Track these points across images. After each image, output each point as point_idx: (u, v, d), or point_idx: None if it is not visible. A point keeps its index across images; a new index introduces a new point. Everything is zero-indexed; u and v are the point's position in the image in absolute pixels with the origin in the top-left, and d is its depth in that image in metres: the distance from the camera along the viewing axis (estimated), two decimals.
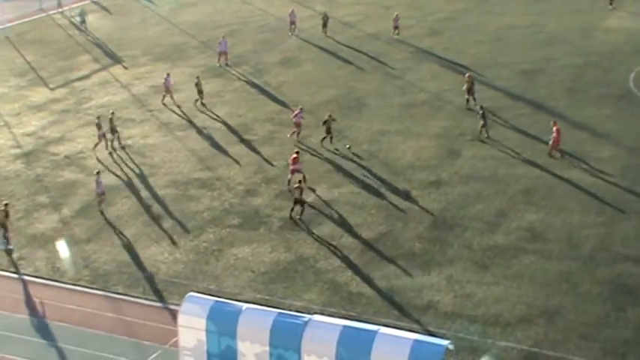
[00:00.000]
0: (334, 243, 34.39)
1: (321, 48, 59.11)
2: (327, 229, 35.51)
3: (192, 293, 26.23)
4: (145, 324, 29.75)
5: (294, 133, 44.19)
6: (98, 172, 38.17)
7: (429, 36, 61.32)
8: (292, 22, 62.92)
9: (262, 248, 34.36)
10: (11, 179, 41.69)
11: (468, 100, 47.09)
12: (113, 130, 44.26)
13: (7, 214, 35.23)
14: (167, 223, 36.78)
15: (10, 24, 68.58)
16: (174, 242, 35.17)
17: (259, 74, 54.83)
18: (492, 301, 29.67)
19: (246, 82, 53.63)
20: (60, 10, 71.60)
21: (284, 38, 62.64)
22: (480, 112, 42.97)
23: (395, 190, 38.23)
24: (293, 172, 38.91)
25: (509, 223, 35.00)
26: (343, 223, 35.85)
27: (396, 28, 61.58)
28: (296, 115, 44.02)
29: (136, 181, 40.86)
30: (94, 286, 32.37)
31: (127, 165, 42.73)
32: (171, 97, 50.24)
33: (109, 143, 44.20)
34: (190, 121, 47.74)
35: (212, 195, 39.09)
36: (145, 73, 56.49)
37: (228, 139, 45.20)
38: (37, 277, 33.27)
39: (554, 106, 46.78)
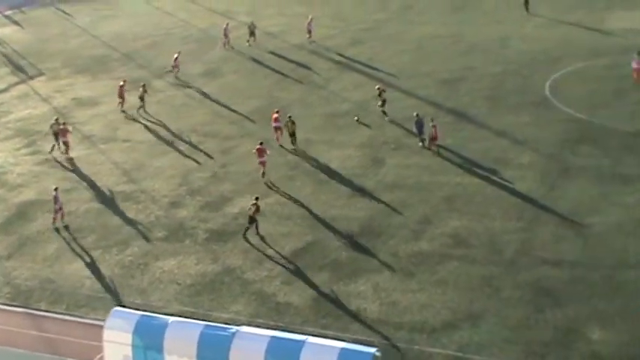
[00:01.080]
0: (260, 254, 34.37)
1: (245, 58, 59.10)
2: (253, 239, 35.46)
3: (117, 308, 25.96)
4: (69, 340, 29.26)
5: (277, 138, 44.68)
6: (56, 188, 37.44)
7: (351, 46, 61.87)
8: (226, 36, 62.52)
9: (188, 260, 34.15)
10: None
11: (385, 113, 47.77)
12: (57, 136, 44.37)
13: None
14: (91, 238, 36.29)
15: None
16: (98, 257, 34.69)
17: (183, 85, 54.54)
18: (418, 308, 30.00)
19: (169, 93, 53.26)
20: None
21: (207, 49, 62.46)
22: (416, 120, 43.67)
23: (319, 200, 38.40)
24: (261, 163, 40.30)
25: (433, 229, 35.46)
26: (270, 234, 35.84)
27: (309, 32, 62.79)
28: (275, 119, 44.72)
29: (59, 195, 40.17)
30: (16, 304, 31.72)
31: (49, 178, 42.03)
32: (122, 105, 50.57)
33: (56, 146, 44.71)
34: (113, 134, 47.21)
35: (137, 208, 38.71)
36: (66, 86, 55.71)
37: (152, 150, 44.85)
38: None
39: (475, 115, 47.62)
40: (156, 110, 50.74)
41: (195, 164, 42.94)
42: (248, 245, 34.94)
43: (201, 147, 44.97)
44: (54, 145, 44.84)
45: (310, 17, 64.46)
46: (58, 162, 43.86)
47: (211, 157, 43.40)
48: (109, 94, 53.43)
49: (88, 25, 71.00)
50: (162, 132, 47.26)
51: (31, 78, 57.68)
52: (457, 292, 30.84)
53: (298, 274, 32.76)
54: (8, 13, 75.02)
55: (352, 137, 45.43)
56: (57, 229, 36.95)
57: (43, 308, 31.32)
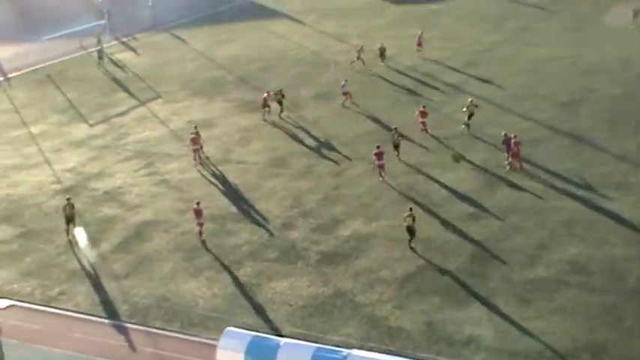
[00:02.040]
0: (372, 277, 34.12)
1: (357, 80, 59.06)
2: (364, 262, 35.26)
3: (230, 328, 26.13)
4: (183, 359, 29.63)
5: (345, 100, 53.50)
6: (198, 203, 38.48)
7: (465, 67, 61.17)
8: (358, 57, 62.74)
9: (300, 282, 34.19)
10: (51, 214, 41.99)
11: (467, 125, 47.97)
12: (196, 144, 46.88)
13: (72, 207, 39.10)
14: (205, 257, 36.79)
15: (51, 62, 69.63)
16: (212, 276, 35.13)
17: (296, 108, 54.97)
18: (535, 336, 29.15)
19: (283, 115, 53.73)
20: (100, 47, 72.52)
21: (320, 72, 62.85)
22: (503, 138, 43.63)
23: (433, 223, 37.91)
24: (379, 167, 42.50)
25: (550, 255, 34.50)
26: (381, 257, 35.58)
27: (419, 44, 64.22)
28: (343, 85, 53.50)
29: (174, 216, 40.98)
30: (133, 321, 32.37)
31: (165, 199, 42.91)
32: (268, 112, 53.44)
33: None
34: (227, 156, 47.90)
35: (250, 229, 39.07)
36: (182, 109, 56.91)
37: (265, 173, 45.26)
38: (77, 312, 33.37)
39: (594, 138, 46.26)
40: (269, 132, 51.26)
41: (307, 186, 43.09)
42: (359, 268, 34.76)
43: (313, 169, 45.11)
44: (195, 153, 47.03)
45: (421, 32, 65.55)
46: (173, 184, 44.68)
47: (323, 179, 43.53)
48: (224, 116, 54.32)
49: (203, 49, 72.48)
50: (275, 154, 47.65)
51: (149, 101, 59.19)
52: (576, 320, 29.85)
53: (410, 298, 32.37)
54: (124, 39, 77.24)
55: (465, 161, 44.73)
56: (203, 242, 37.99)
57: (158, 326, 31.86)
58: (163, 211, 41.64)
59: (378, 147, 43.02)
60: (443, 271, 34.02)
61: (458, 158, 44.81)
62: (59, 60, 70.85)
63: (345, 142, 48.42)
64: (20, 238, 39.73)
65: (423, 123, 48.81)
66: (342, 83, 54.93)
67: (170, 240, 38.63)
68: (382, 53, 62.99)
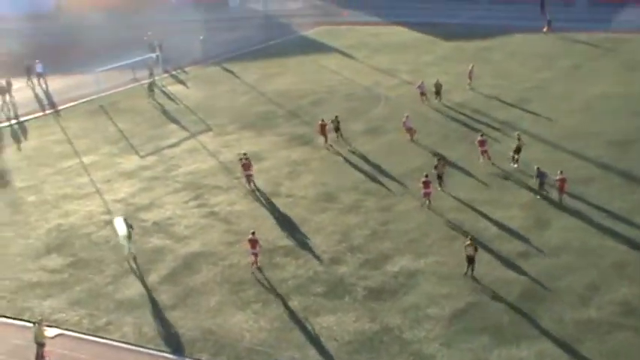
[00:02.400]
0: (420, 313, 33.81)
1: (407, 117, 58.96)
2: (412, 298, 34.99)
3: None
4: None
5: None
6: (253, 232, 39.01)
7: (516, 105, 60.80)
8: (422, 93, 62.78)
9: (347, 317, 34.00)
10: (101, 244, 42.43)
11: (516, 160, 47.86)
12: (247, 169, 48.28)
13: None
14: (252, 290, 36.80)
15: (104, 93, 70.67)
16: (259, 310, 35.10)
17: (345, 142, 55.04)
18: None
19: (332, 150, 53.87)
20: (152, 79, 73.51)
21: (370, 107, 62.94)
22: (536, 173, 44.16)
23: (482, 261, 37.51)
24: (425, 195, 43.61)
25: (601, 296, 33.91)
26: (429, 293, 35.28)
27: (470, 78, 65.34)
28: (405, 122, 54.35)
29: (222, 248, 41.12)
30: (179, 353, 32.40)
31: (213, 231, 43.11)
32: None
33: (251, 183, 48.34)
34: (277, 189, 48.05)
35: (297, 263, 39.04)
36: (232, 141, 57.30)
37: (314, 207, 45.27)
38: (123, 342, 33.54)
39: None
40: (319, 166, 51.35)
41: (355, 221, 43.00)
42: (407, 305, 34.50)
43: (362, 204, 45.03)
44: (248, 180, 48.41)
45: (472, 65, 66.50)
46: (222, 216, 44.90)
47: (371, 214, 43.40)
48: (273, 149, 54.57)
49: (254, 83, 73.04)
50: (324, 188, 47.66)
51: (200, 133, 59.71)
52: None
53: (458, 336, 32.00)
54: (175, 72, 78.18)
55: (516, 197, 44.35)
56: (253, 273, 38.26)
57: (204, 359, 31.84)
58: (211, 242, 41.81)
59: (426, 176, 43.78)
60: (492, 310, 33.60)
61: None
62: (112, 91, 71.92)
63: (394, 177, 48.30)
64: (70, 268, 40.16)
65: (484, 152, 49.27)
66: (404, 120, 55.03)
67: (218, 272, 38.74)
68: (438, 90, 62.24)
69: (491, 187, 46.06)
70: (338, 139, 54.79)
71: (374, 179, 48.43)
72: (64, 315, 35.82)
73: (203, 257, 40.28)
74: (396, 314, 33.96)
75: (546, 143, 51.98)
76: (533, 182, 45.36)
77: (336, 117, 55.50)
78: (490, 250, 38.55)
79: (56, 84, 74.96)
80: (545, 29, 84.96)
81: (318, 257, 39.44)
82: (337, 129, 55.16)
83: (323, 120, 54.99)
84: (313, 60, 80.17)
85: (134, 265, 39.79)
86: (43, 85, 75.09)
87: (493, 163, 48.91)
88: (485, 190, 45.68)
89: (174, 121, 63.21)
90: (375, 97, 65.53)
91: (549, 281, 35.48)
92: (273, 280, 37.59)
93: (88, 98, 70.02)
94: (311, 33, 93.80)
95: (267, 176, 50.10)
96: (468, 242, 36.44)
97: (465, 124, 57.06)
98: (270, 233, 42.30)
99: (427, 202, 43.62)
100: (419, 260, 38.29)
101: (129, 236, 40.46)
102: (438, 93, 62.24)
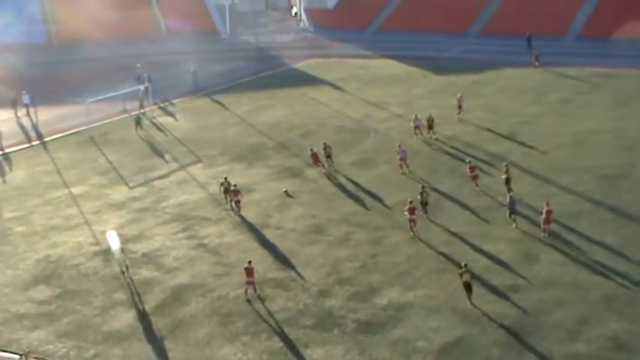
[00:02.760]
0: (409, 347, 33.72)
1: (396, 151, 59.17)
2: (401, 332, 34.91)
3: None
4: None
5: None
6: (250, 261, 39.50)
7: (505, 139, 61.14)
8: (417, 127, 62.81)
9: (336, 350, 33.89)
10: (90, 276, 42.23)
11: (509, 190, 47.57)
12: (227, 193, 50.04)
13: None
14: (241, 323, 36.65)
15: (94, 124, 70.71)
16: (248, 342, 34.93)
17: (335, 175, 55.14)
18: None
19: (321, 183, 53.93)
20: (142, 111, 73.61)
21: (360, 140, 63.16)
22: (508, 200, 44.66)
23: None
24: (410, 221, 44.29)
25: (590, 331, 33.92)
26: (418, 327, 35.22)
27: (459, 107, 66.42)
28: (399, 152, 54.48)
29: (211, 280, 41.00)
30: None
31: (202, 263, 42.98)
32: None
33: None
34: (266, 221, 48.02)
35: (286, 295, 38.93)
36: (222, 173, 57.24)
37: (303, 239, 45.25)
38: None
39: (636, 212, 45.76)
40: (308, 198, 51.39)
41: (345, 253, 42.97)
42: (396, 338, 34.43)
43: (352, 237, 45.04)
44: (228, 200, 50.00)
45: (460, 94, 67.95)
46: (210, 248, 44.82)
47: (361, 247, 43.39)
48: (263, 181, 54.62)
49: (244, 115, 73.22)
50: (314, 221, 47.67)
51: (190, 165, 59.73)
52: None
53: None
54: (164, 104, 78.29)
55: (504, 232, 44.44)
56: (249, 301, 38.43)
57: None
58: (201, 274, 41.68)
59: (410, 202, 44.61)
60: (480, 344, 33.54)
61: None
62: (102, 122, 71.97)
63: (383, 210, 48.38)
64: (58, 299, 39.93)
65: (475, 177, 50.42)
66: (397, 150, 55.58)
67: (207, 304, 38.58)
68: (430, 124, 62.36)
69: (480, 220, 46.14)
70: (330, 167, 55.47)
71: (364, 211, 48.49)
72: (51, 347, 35.56)
73: (192, 289, 40.13)
74: (384, 347, 33.86)
75: (535, 177, 52.19)
76: (524, 218, 45.50)
77: (325, 144, 56.66)
78: (479, 284, 38.55)
79: (45, 115, 74.94)
80: (536, 63, 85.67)
81: (307, 290, 39.35)
82: (329, 155, 56.15)
83: (312, 149, 55.50)
84: (303, 92, 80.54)
85: (129, 281, 39.64)
86: (34, 117, 74.91)
87: (485, 192, 49.09)
88: (473, 225, 45.74)
89: (165, 152, 63.18)
90: (365, 130, 65.81)
91: (538, 315, 35.48)
92: (262, 312, 37.46)
93: (78, 129, 70.03)
94: (301, 65, 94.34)
95: (257, 208, 50.08)
96: (462, 270, 36.74)
97: (456, 157, 57.29)
98: (260, 265, 42.17)
99: (413, 228, 44.14)
100: (408, 293, 38.26)
101: (122, 249, 41.61)
102: (430, 127, 62.41)
